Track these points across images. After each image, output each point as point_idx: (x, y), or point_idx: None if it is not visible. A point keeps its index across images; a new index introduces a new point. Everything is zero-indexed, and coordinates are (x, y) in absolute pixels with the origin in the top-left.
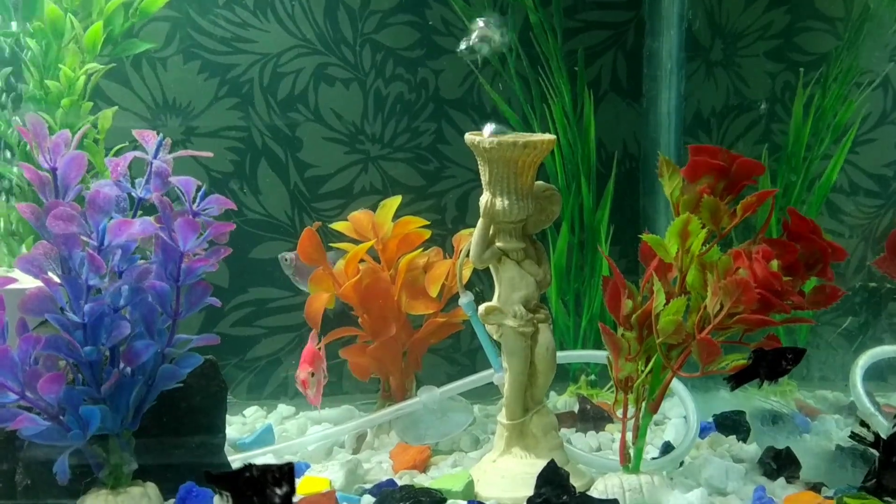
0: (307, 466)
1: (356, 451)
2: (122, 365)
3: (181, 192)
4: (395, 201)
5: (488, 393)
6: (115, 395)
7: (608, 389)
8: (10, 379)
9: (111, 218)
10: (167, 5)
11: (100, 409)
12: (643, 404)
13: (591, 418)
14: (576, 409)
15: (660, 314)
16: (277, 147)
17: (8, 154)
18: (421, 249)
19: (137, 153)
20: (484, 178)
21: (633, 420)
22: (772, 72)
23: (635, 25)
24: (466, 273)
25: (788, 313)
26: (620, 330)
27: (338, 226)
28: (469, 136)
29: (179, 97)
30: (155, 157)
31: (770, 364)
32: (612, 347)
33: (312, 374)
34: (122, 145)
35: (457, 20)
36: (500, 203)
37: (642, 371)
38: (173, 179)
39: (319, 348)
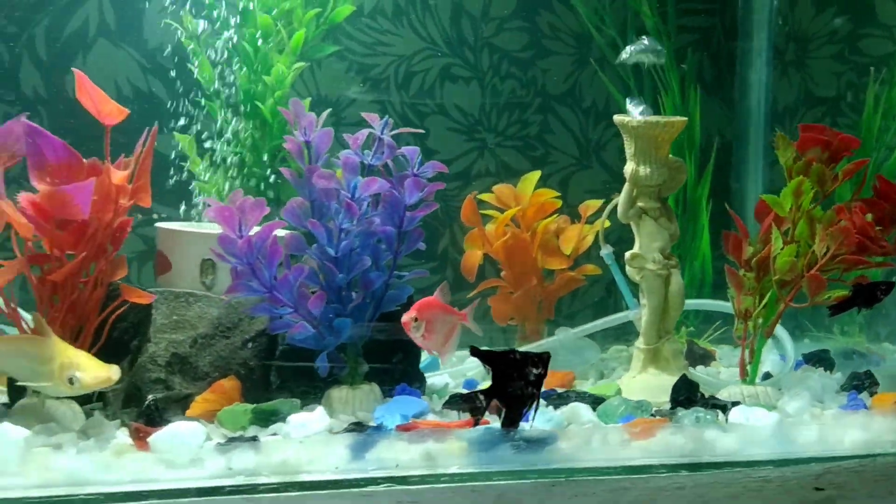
0: (477, 383)
1: None
2: (357, 291)
3: (405, 158)
4: (534, 175)
5: (603, 344)
6: (353, 313)
7: (706, 338)
8: (287, 297)
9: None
10: None
11: (349, 321)
12: (759, 330)
13: (699, 357)
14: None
15: (777, 256)
16: (409, 135)
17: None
18: (555, 216)
19: (369, 129)
20: (629, 150)
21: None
22: (838, 72)
23: (719, 30)
24: (591, 236)
25: (880, 256)
26: (741, 271)
27: (485, 196)
28: (618, 118)
29: (329, 93)
30: (382, 132)
31: (867, 294)
32: (735, 284)
33: (416, 320)
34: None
35: (563, 25)
36: (643, 170)
37: (759, 304)
38: (404, 149)
39: (471, 298)
